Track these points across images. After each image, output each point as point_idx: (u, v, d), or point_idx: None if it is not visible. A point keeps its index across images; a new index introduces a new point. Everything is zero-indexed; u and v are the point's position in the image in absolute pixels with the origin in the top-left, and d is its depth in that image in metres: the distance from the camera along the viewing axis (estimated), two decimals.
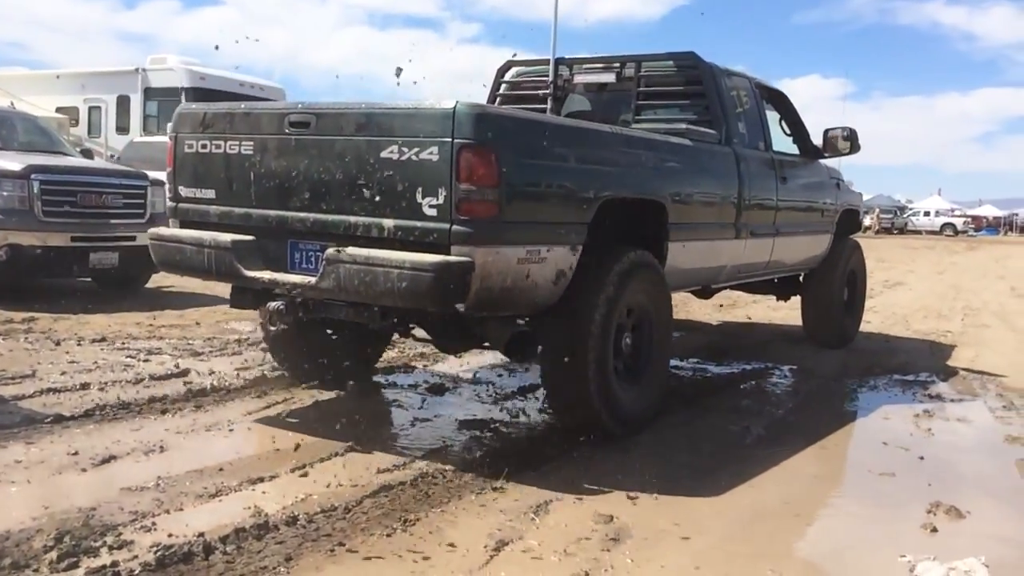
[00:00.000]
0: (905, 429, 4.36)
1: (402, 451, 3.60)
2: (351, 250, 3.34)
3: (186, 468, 3.19)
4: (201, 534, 2.52)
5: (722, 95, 4.98)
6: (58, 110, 16.00)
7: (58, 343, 5.34)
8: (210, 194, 3.90)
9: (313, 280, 3.47)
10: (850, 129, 5.89)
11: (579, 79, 5.46)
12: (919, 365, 6.15)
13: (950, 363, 6.32)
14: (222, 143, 3.82)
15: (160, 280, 8.03)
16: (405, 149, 3.26)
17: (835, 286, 6.65)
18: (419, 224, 3.25)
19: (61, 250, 6.99)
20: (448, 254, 3.18)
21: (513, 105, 5.64)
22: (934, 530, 2.96)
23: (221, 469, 3.22)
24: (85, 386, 4.28)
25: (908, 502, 3.26)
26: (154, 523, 2.66)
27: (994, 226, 60.53)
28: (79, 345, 5.33)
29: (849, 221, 6.90)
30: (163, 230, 4.04)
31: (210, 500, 2.91)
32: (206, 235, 3.80)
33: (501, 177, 3.19)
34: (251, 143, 3.74)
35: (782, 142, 5.88)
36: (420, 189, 3.23)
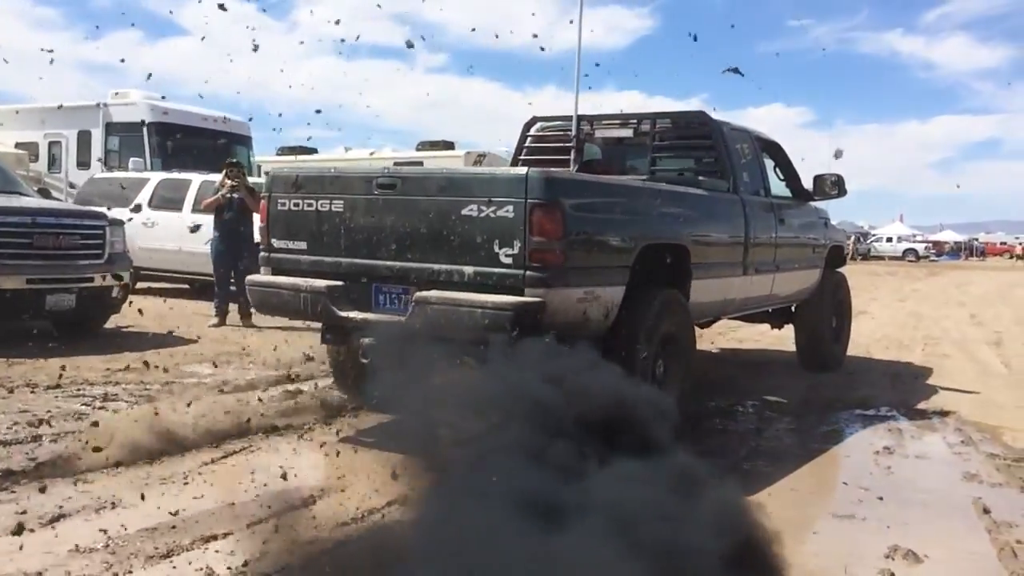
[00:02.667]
0: (865, 467, 4.40)
1: None
2: (439, 293, 3.94)
3: (138, 526, 3.07)
4: None
5: (729, 148, 5.68)
6: (17, 145, 15.90)
7: (11, 391, 5.15)
8: (302, 245, 4.49)
9: (402, 319, 4.06)
10: (838, 175, 6.61)
11: (599, 134, 6.13)
12: (880, 399, 6.16)
13: (910, 396, 6.36)
14: (314, 202, 4.42)
15: (119, 319, 7.91)
16: (484, 207, 3.88)
17: (825, 315, 7.31)
18: (496, 270, 3.87)
19: (16, 292, 6.72)
20: (522, 295, 3.79)
21: (538, 156, 6.30)
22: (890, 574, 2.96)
23: (174, 527, 3.08)
24: (36, 438, 4.13)
25: (866, 546, 3.23)
26: None
27: (955, 251, 62.25)
28: (32, 392, 5.16)
29: (836, 256, 7.60)
30: (260, 277, 4.60)
31: (161, 561, 2.80)
32: (301, 281, 4.38)
33: (566, 230, 3.82)
34: (341, 202, 4.34)
35: (777, 186, 6.58)
36: (497, 241, 3.85)
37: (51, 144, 16.36)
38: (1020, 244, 60.95)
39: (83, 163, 15.90)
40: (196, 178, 11.32)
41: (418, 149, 22.42)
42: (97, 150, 15.76)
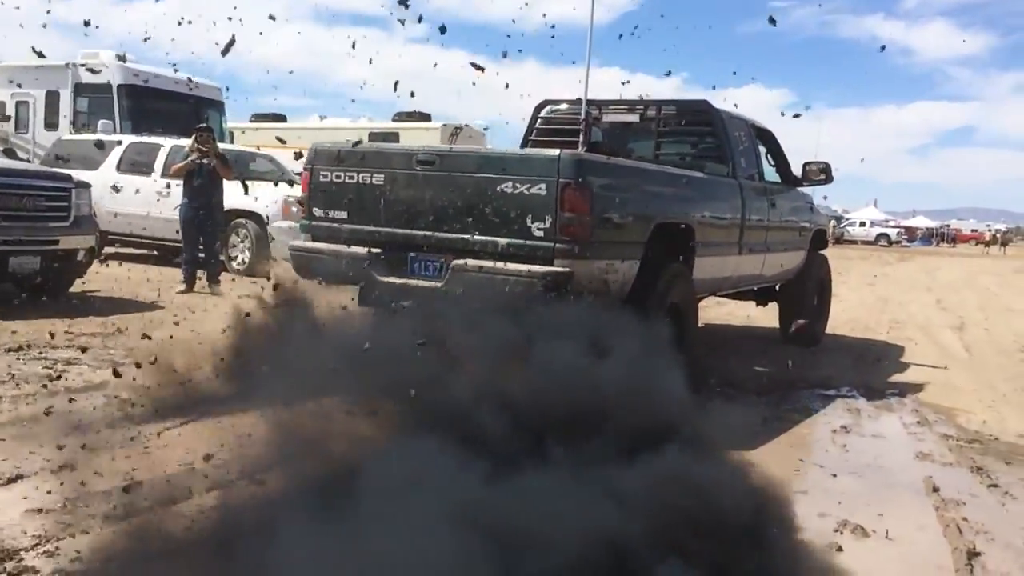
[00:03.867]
0: (822, 446, 4.62)
1: None
2: (475, 261, 4.46)
3: (97, 488, 3.03)
4: (109, 559, 2.45)
5: (729, 136, 6.26)
6: None
7: None
8: (342, 215, 4.97)
9: (439, 284, 4.58)
10: (825, 163, 7.22)
11: (607, 118, 6.66)
12: (842, 380, 6.45)
13: (872, 378, 6.65)
14: (355, 175, 4.90)
15: (85, 285, 7.94)
16: (518, 185, 4.40)
17: (808, 294, 7.97)
18: (528, 242, 4.40)
19: None
20: (551, 265, 4.34)
21: (547, 137, 6.81)
22: (839, 549, 3.10)
23: (126, 490, 3.00)
24: None
25: (817, 520, 3.39)
26: (57, 548, 2.62)
27: (927, 237, 63.94)
28: None
29: (819, 239, 8.25)
30: (302, 243, 5.08)
31: (120, 523, 2.78)
32: (343, 248, 4.88)
33: (592, 208, 4.36)
34: (382, 176, 4.84)
35: (769, 171, 7.17)
36: (530, 216, 4.39)
37: (18, 104, 16.34)
38: (989, 231, 62.75)
39: (51, 124, 15.93)
40: (166, 142, 11.53)
41: (395, 120, 22.79)
42: (66, 112, 15.77)
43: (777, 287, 7.93)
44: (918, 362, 7.58)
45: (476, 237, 4.55)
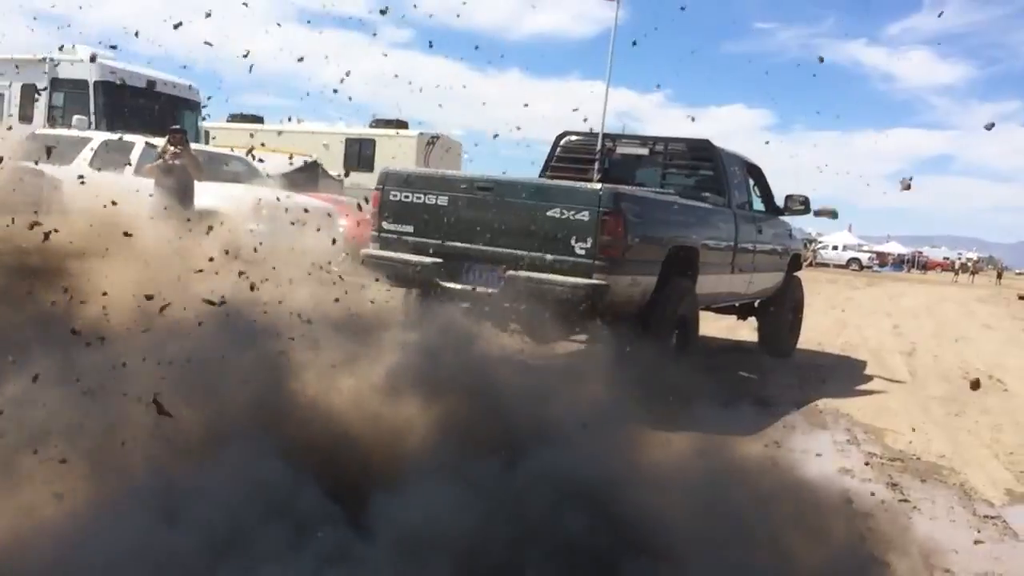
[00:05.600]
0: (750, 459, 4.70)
1: None
2: (527, 272, 5.81)
3: None
4: None
5: (726, 170, 7.72)
6: None
7: None
8: (408, 229, 6.29)
9: (494, 291, 5.92)
10: (804, 196, 8.74)
11: (620, 150, 8.08)
12: (783, 397, 7.03)
13: (813, 396, 7.28)
14: (422, 196, 6.23)
15: None
16: (565, 211, 5.77)
17: (784, 311, 9.47)
18: (571, 259, 5.77)
19: None
20: (591, 278, 5.71)
21: (565, 164, 8.21)
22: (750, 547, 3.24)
23: None
24: None
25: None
26: None
27: (898, 263, 66.81)
28: None
29: (795, 262, 9.77)
30: (375, 251, 6.37)
31: None
32: (411, 256, 6.19)
33: (625, 232, 5.75)
34: (445, 197, 6.16)
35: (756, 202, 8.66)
36: (574, 237, 5.75)
37: None
38: (959, 260, 65.88)
39: (25, 117, 16.47)
40: (140, 140, 12.05)
41: (371, 126, 23.91)
42: (42, 105, 16.37)
43: (757, 303, 9.40)
44: (861, 384, 8.46)
45: (526, 253, 5.90)
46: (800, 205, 8.82)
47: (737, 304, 9.16)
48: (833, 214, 8.83)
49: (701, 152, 7.89)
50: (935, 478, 5.42)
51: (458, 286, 6.08)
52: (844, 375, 8.94)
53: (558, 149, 8.40)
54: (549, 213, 5.83)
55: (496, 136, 13.63)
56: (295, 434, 3.32)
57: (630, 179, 7.98)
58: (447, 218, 6.18)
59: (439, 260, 6.17)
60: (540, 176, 8.12)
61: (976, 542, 4.36)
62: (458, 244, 6.15)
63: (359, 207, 7.80)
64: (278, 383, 3.57)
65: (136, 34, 7.92)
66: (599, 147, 8.02)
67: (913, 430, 6.56)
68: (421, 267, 6.14)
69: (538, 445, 3.46)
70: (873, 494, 4.71)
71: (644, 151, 8.06)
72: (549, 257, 5.83)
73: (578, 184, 5.94)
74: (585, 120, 8.74)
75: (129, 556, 2.53)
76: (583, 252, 5.74)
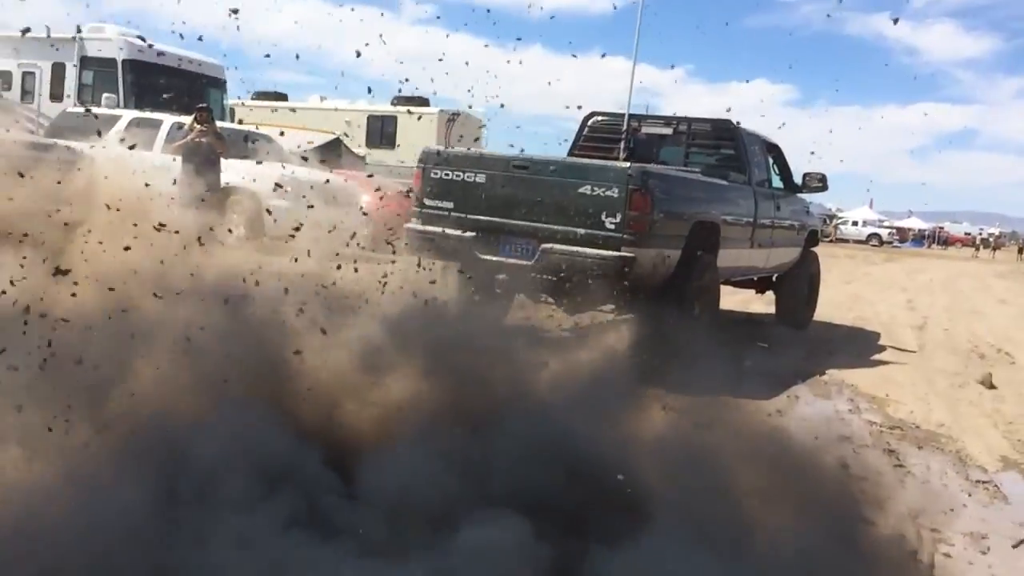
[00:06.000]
0: (752, 427, 4.77)
1: None
2: (560, 245, 6.33)
3: None
4: None
5: (747, 149, 8.20)
6: None
7: None
8: (448, 205, 6.82)
9: (529, 262, 6.44)
10: (822, 174, 9.21)
11: (645, 130, 8.56)
12: (791, 368, 7.27)
13: (819, 368, 7.57)
14: (461, 174, 6.75)
15: None
16: (595, 188, 6.27)
17: (801, 285, 9.97)
18: (602, 233, 6.27)
19: None
20: (619, 251, 6.22)
21: (593, 143, 8.71)
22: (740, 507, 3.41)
23: None
24: None
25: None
26: None
27: (919, 239, 66.86)
28: None
29: (812, 238, 10.26)
30: (417, 226, 6.90)
31: None
32: (451, 231, 6.72)
33: (653, 208, 6.26)
34: (484, 175, 6.68)
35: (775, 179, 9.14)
36: (604, 212, 6.26)
37: (24, 75, 17.61)
38: (980, 235, 65.88)
39: (56, 96, 17.17)
40: (168, 118, 12.66)
41: (393, 104, 24.36)
42: (71, 84, 17.05)
43: (775, 278, 9.91)
44: (868, 356, 8.81)
45: (559, 227, 6.41)
46: (818, 183, 9.30)
47: (755, 278, 9.66)
48: (822, 182, 9.27)
49: (723, 132, 8.37)
50: (932, 445, 5.74)
51: (495, 258, 6.60)
52: (853, 348, 9.27)
53: (586, 129, 8.90)
54: (581, 190, 6.33)
55: (503, 106, 13.98)
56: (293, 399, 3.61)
57: (654, 158, 8.46)
58: (485, 194, 6.69)
59: (477, 234, 6.69)
60: (569, 155, 8.62)
61: (964, 505, 4.63)
62: (495, 219, 6.66)
63: (407, 194, 8.24)
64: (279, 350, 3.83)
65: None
66: (625, 127, 8.50)
67: (916, 401, 6.93)
68: (460, 240, 6.68)
69: (535, 409, 3.77)
70: (869, 460, 4.88)
71: (668, 131, 8.55)
72: (581, 231, 6.34)
73: (608, 163, 6.44)
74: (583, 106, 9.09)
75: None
76: (613, 227, 6.25)
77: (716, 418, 4.34)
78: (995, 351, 9.86)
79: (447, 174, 6.84)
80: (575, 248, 6.32)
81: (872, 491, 4.10)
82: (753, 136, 8.58)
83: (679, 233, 6.67)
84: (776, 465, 3.88)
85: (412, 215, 7.06)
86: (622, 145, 8.52)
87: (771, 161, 8.96)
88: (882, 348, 9.53)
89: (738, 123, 8.38)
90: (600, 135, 8.81)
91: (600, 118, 8.90)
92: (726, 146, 8.38)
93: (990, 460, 5.56)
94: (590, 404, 3.96)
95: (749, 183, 8.14)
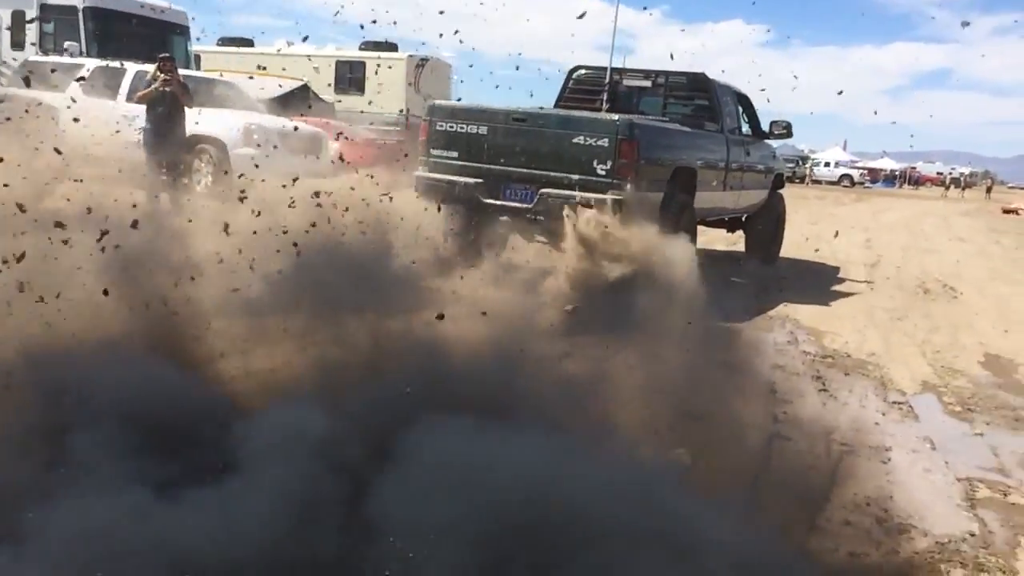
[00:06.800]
0: (693, 360, 5.03)
1: None
2: (556, 190, 7.39)
3: None
4: None
5: (720, 100, 9.29)
6: None
7: None
8: (454, 155, 7.84)
9: (528, 205, 7.50)
10: (787, 122, 10.35)
11: (626, 83, 9.59)
12: (739, 305, 7.47)
13: (766, 304, 8.18)
14: (465, 126, 7.76)
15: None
16: (587, 138, 7.32)
17: (768, 224, 11.15)
18: (593, 178, 7.34)
19: None
20: (608, 194, 7.31)
21: (577, 95, 9.72)
22: (671, 428, 3.77)
23: None
24: None
25: (660, 410, 4.01)
26: None
27: (890, 179, 68.62)
28: None
29: (778, 181, 11.42)
30: (425, 173, 7.92)
31: None
32: (457, 177, 7.75)
33: (638, 155, 7.33)
34: (485, 127, 7.70)
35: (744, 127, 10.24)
36: (595, 160, 7.32)
37: None
38: (951, 175, 67.71)
39: (17, 44, 17.31)
40: (131, 67, 12.87)
41: (361, 49, 24.98)
42: (32, 32, 17.05)
43: (744, 218, 11.05)
44: (816, 293, 9.46)
45: (555, 174, 7.46)
46: (783, 130, 10.43)
47: (727, 218, 10.81)
48: (787, 129, 10.41)
49: (698, 84, 9.44)
50: (859, 372, 6.29)
51: (497, 202, 7.66)
52: (803, 285, 9.95)
53: (570, 82, 9.91)
54: (575, 140, 7.38)
55: (456, 32, 13.56)
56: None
57: (635, 108, 9.51)
58: (487, 144, 7.72)
59: (480, 180, 7.72)
60: (555, 106, 9.63)
61: (877, 423, 5.12)
62: (496, 167, 7.70)
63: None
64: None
65: None
66: (607, 80, 9.52)
67: (853, 333, 7.61)
68: (465, 186, 7.71)
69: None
70: (797, 386, 5.50)
71: (647, 83, 9.58)
72: (575, 176, 7.40)
73: (599, 115, 7.50)
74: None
75: None
76: (603, 172, 7.32)
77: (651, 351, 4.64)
78: (941, 287, 10.86)
79: (451, 126, 7.86)
80: (570, 192, 7.38)
81: (793, 412, 4.57)
82: (725, 87, 9.66)
83: (662, 178, 7.76)
84: (706, 389, 4.30)
85: (420, 163, 8.07)
86: (604, 97, 9.55)
87: (741, 110, 10.06)
88: (833, 284, 10.38)
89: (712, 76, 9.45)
90: (584, 87, 9.82)
91: (584, 71, 9.92)
92: (700, 97, 9.45)
93: (911, 385, 6.15)
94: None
95: (722, 131, 9.24)
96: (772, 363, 5.91)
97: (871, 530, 3.56)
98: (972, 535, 3.77)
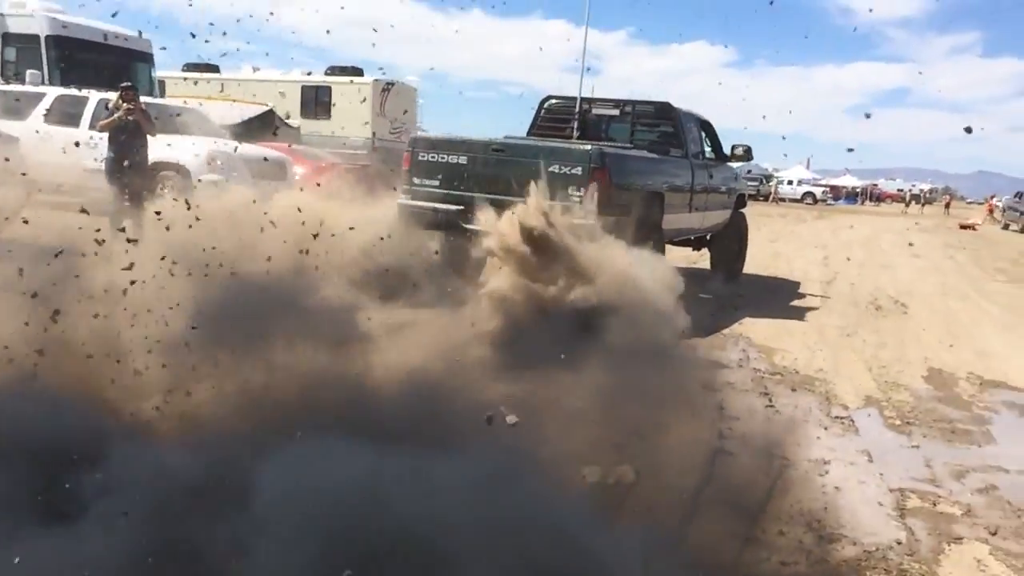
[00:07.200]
0: (643, 377, 5.17)
1: None
2: None
3: None
4: None
5: (685, 127, 10.00)
6: None
7: None
8: (435, 183, 8.43)
9: None
10: (747, 146, 11.09)
11: (595, 111, 10.29)
12: (694, 324, 7.16)
13: (722, 322, 8.57)
14: (446, 156, 8.37)
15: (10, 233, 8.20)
16: (563, 167, 7.96)
17: (732, 242, 11.89)
18: (568, 204, 7.97)
19: None
20: (584, 219, 7.94)
21: (549, 123, 10.39)
22: (617, 446, 3.98)
23: None
24: None
25: (609, 431, 4.18)
26: None
27: (852, 196, 70.37)
28: None
29: (740, 201, 12.18)
30: (408, 201, 8.50)
31: None
32: (439, 205, 8.34)
33: (609, 182, 7.98)
34: (465, 157, 8.31)
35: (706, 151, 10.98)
36: (571, 186, 7.95)
37: None
38: (911, 192, 69.56)
39: None
40: (94, 95, 13.15)
41: (327, 74, 25.57)
42: None
43: (709, 237, 11.76)
44: (771, 310, 9.85)
45: None
46: (743, 152, 11.18)
47: (693, 237, 11.51)
48: (747, 152, 11.18)
49: (663, 112, 10.16)
50: (805, 388, 6.57)
51: (479, 228, 8.25)
52: (759, 303, 10.26)
53: (542, 111, 10.58)
54: (550, 168, 8.01)
55: (432, 69, 14.52)
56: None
57: (604, 136, 10.21)
58: (467, 173, 8.34)
59: (461, 207, 8.32)
60: (528, 135, 10.29)
61: (818, 437, 5.37)
62: (476, 194, 8.30)
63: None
64: None
65: None
66: (577, 109, 10.21)
67: (803, 349, 7.95)
68: (447, 212, 8.31)
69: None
70: (744, 402, 5.75)
71: (616, 112, 10.30)
72: (551, 203, 8.02)
73: (573, 145, 8.16)
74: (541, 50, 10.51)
75: None
76: (577, 198, 7.96)
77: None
78: (893, 302, 11.35)
79: (433, 156, 8.46)
80: None
81: (739, 428, 4.74)
82: (688, 115, 10.38)
83: (632, 202, 8.41)
84: (657, 405, 4.43)
85: (403, 192, 8.66)
86: (575, 125, 10.23)
87: (704, 135, 10.80)
88: (789, 301, 10.87)
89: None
90: (555, 116, 10.50)
91: (555, 101, 10.61)
92: (666, 124, 10.17)
93: (855, 399, 6.43)
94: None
95: (686, 156, 9.96)
96: (722, 380, 6.25)
97: (803, 540, 3.76)
98: (899, 543, 3.99)
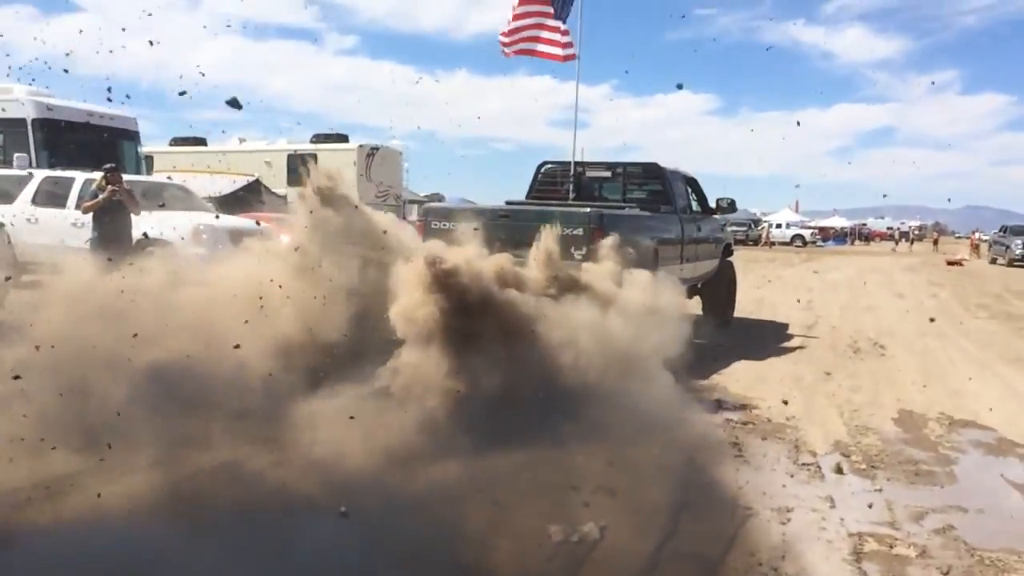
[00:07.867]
0: (619, 426, 5.83)
1: None
2: None
3: None
4: None
5: (673, 185, 11.14)
6: None
7: None
8: None
9: None
10: (731, 199, 12.24)
11: (589, 174, 11.42)
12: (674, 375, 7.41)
13: (700, 371, 8.83)
14: (457, 224, 9.43)
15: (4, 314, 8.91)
16: (565, 227, 9.02)
17: (721, 289, 12.96)
18: (571, 262, 9.02)
19: None
20: None
21: (545, 187, 11.52)
22: (585, 504, 4.58)
23: None
24: None
25: (582, 473, 4.81)
26: None
27: (841, 236, 71.77)
28: None
29: (727, 250, 13.29)
30: None
31: None
32: None
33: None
34: (474, 223, 9.37)
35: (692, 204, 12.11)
36: (573, 246, 9.02)
37: None
38: (900, 229, 71.18)
39: None
40: (79, 176, 13.56)
41: (312, 141, 26.64)
42: None
43: (699, 285, 12.82)
44: (750, 358, 10.34)
45: None
46: (727, 205, 12.32)
47: (685, 287, 12.55)
48: (731, 205, 12.32)
49: (652, 172, 11.32)
50: (776, 436, 6.83)
51: None
52: (738, 350, 10.76)
53: (539, 175, 11.73)
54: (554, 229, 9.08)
55: (419, 127, 15.11)
56: None
57: (598, 196, 11.33)
58: (476, 239, 9.38)
59: None
60: (527, 198, 11.39)
61: (784, 485, 5.54)
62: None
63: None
64: None
65: (67, 54, 8.75)
66: (572, 172, 11.35)
67: (777, 397, 8.22)
68: None
69: None
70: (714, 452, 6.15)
71: (608, 174, 11.44)
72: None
73: (573, 209, 9.28)
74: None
75: None
76: (580, 256, 9.01)
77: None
78: (872, 344, 11.83)
79: (446, 225, 9.53)
80: None
81: (706, 479, 5.15)
82: (675, 173, 11.54)
83: (628, 258, 9.47)
84: (626, 463, 4.97)
85: None
86: (570, 187, 11.36)
87: (690, 191, 11.94)
88: (765, 349, 11.29)
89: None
90: (551, 179, 11.63)
91: (550, 166, 11.77)
92: (654, 183, 11.31)
93: (824, 445, 6.66)
94: None
95: (675, 212, 11.07)
96: (696, 431, 6.60)
97: None
98: None
